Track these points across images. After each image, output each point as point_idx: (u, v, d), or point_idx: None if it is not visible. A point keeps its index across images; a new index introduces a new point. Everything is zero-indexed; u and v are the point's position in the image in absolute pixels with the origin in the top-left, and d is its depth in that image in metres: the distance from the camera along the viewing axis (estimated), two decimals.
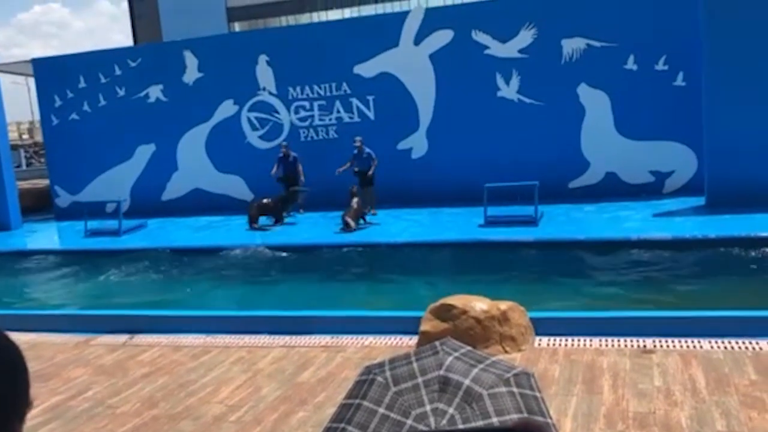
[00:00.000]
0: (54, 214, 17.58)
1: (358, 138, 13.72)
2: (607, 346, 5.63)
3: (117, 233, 13.98)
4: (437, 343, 1.77)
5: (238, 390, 5.36)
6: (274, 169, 14.28)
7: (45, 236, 15.66)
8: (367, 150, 13.66)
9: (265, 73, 15.63)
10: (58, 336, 7.31)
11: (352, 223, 12.22)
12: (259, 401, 5.10)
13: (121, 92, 16.68)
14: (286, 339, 6.52)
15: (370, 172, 13.55)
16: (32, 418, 5.21)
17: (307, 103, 15.46)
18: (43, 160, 26.49)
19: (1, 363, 0.98)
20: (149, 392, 5.47)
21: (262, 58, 15.57)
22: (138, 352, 6.53)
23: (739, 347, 5.36)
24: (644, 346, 5.56)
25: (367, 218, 12.86)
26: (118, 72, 16.65)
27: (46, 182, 18.86)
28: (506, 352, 5.62)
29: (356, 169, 13.69)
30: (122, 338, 7.03)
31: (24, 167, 29.59)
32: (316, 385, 5.33)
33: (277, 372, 5.67)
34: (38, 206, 18.28)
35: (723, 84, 11.29)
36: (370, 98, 14.99)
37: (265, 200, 13.59)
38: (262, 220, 13.48)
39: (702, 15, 11.44)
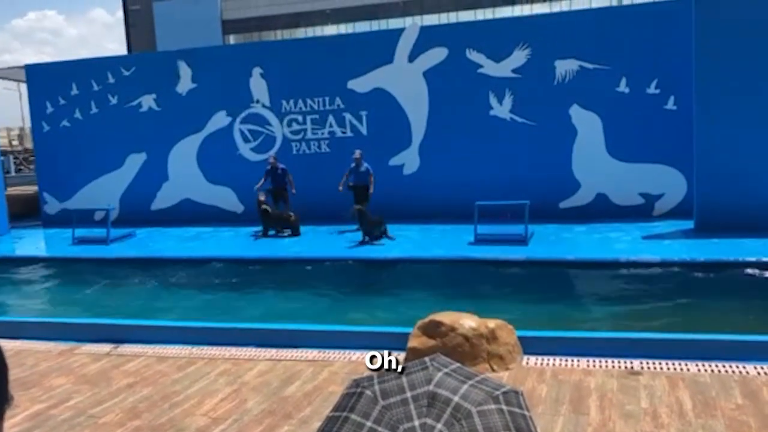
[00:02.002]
0: (42, 221, 17.46)
1: (357, 151, 13.64)
2: (594, 366, 5.63)
3: (105, 242, 13.90)
4: (427, 358, 1.76)
5: (223, 402, 5.31)
6: (260, 183, 14.16)
7: (31, 243, 15.52)
8: (366, 164, 13.56)
9: (258, 86, 15.64)
10: (42, 344, 7.24)
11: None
12: (244, 414, 5.05)
13: (114, 100, 16.63)
14: (273, 352, 6.48)
15: (371, 190, 13.45)
16: (13, 426, 5.12)
17: (300, 117, 15.46)
18: (32, 166, 26.36)
19: None
20: (132, 403, 5.41)
21: (256, 71, 15.59)
22: (122, 362, 6.46)
23: (726, 371, 5.36)
24: (632, 367, 5.56)
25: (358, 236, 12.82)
26: (111, 80, 16.62)
27: (34, 189, 18.74)
28: (494, 370, 5.60)
29: (351, 184, 13.54)
30: (107, 347, 6.96)
31: (13, 173, 29.44)
32: (302, 399, 5.29)
33: (263, 385, 5.63)
34: (26, 213, 18.16)
35: (713, 109, 11.38)
36: (363, 113, 15.01)
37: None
38: None
39: (694, 40, 11.55)
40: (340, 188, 13.46)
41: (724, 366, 5.45)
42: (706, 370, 5.40)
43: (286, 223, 13.66)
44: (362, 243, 12.21)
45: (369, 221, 12.33)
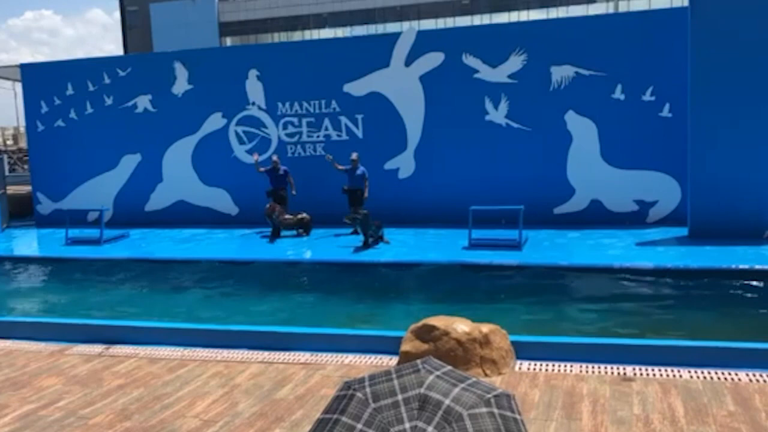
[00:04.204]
0: (35, 221, 17.40)
1: (354, 153, 13.65)
2: (587, 372, 5.63)
3: (98, 242, 13.86)
4: (418, 361, 1.75)
5: (214, 405, 5.29)
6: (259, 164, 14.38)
7: (24, 243, 15.46)
8: (362, 168, 13.55)
9: (254, 88, 15.62)
10: (33, 344, 7.21)
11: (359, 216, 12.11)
12: (235, 417, 5.03)
13: (109, 101, 16.59)
14: (265, 354, 6.47)
15: (366, 195, 13.42)
16: (2, 426, 5.09)
17: (295, 119, 15.45)
18: (26, 166, 26.28)
19: None
20: (123, 404, 5.38)
21: (253, 73, 15.57)
22: (114, 363, 6.43)
23: (719, 378, 5.37)
24: (624, 373, 5.56)
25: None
26: (107, 80, 16.57)
27: (28, 188, 18.67)
28: (487, 375, 5.59)
29: (345, 187, 13.54)
30: (98, 348, 6.93)
31: (7, 173, 29.31)
32: (293, 402, 5.27)
33: (255, 388, 5.61)
34: (20, 213, 18.10)
35: (707, 116, 11.41)
36: (359, 117, 15.01)
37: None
38: None
39: (689, 48, 11.59)
40: (327, 158, 13.90)
41: (716, 373, 5.46)
42: (698, 377, 5.40)
43: (299, 224, 13.68)
44: (365, 246, 12.13)
45: (373, 225, 12.28)
